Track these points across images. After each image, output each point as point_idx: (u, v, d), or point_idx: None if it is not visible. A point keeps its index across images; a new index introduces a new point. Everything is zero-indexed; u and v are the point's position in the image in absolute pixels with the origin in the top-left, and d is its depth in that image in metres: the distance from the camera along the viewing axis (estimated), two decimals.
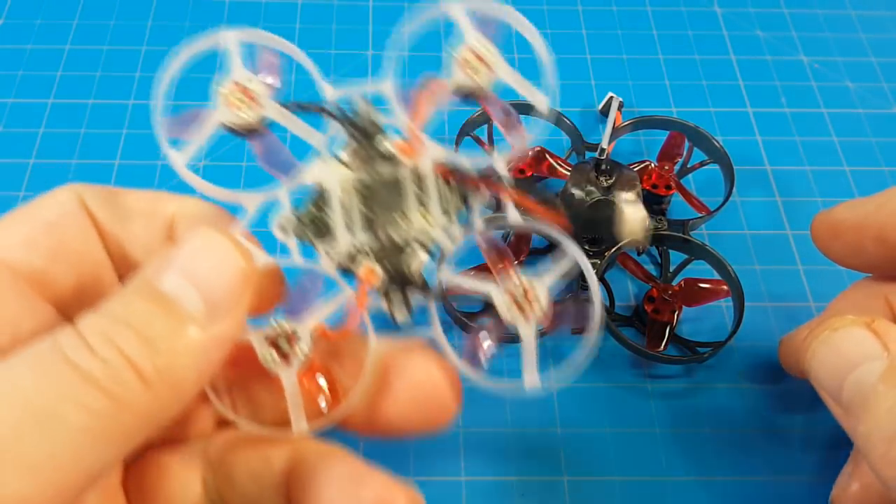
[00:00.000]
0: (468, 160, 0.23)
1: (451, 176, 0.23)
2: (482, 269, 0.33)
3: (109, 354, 0.18)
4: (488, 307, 0.24)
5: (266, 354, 0.22)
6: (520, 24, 0.24)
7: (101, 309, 0.19)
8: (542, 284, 0.23)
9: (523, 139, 0.24)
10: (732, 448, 0.32)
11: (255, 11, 0.45)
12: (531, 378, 0.24)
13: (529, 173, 0.37)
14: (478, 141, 0.39)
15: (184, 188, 0.38)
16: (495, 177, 0.23)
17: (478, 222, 0.23)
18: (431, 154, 0.23)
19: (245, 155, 0.39)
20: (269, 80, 0.23)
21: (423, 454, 0.32)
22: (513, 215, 0.24)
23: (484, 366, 0.24)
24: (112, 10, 0.45)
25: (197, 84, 0.24)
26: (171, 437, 0.24)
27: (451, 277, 0.24)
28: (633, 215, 0.22)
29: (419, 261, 0.23)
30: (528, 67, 0.24)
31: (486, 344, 0.24)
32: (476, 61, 0.23)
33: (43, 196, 0.23)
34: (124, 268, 0.24)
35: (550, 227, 0.23)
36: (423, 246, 0.23)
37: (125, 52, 0.43)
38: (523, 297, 0.23)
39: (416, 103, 0.23)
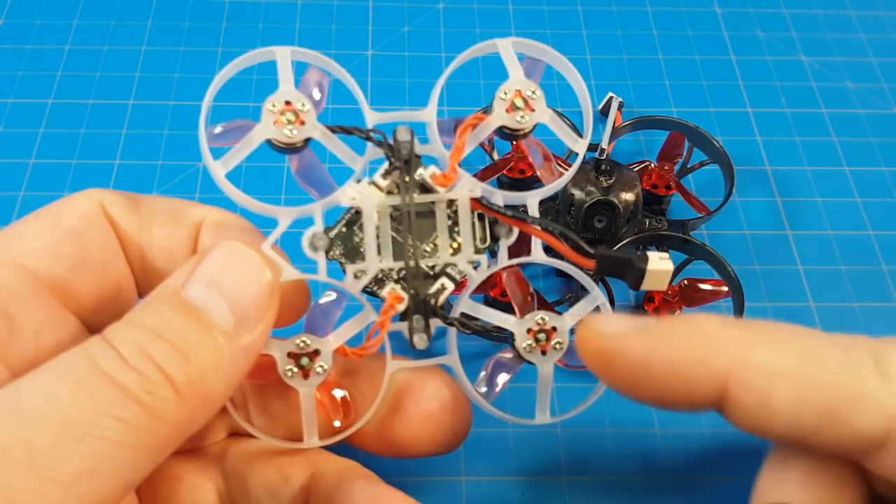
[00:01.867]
0: (501, 196, 0.23)
1: (484, 210, 0.23)
2: (485, 287, 0.33)
3: (144, 366, 0.18)
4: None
5: (286, 369, 0.22)
6: (564, 67, 0.24)
7: (130, 319, 0.19)
8: (563, 325, 0.23)
9: (558, 182, 0.24)
10: (732, 448, 0.32)
11: (255, 11, 0.45)
12: (543, 416, 0.24)
13: (529, 173, 0.37)
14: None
15: (184, 189, 0.38)
16: (521, 214, 0.23)
17: (504, 259, 0.24)
18: (467, 187, 0.23)
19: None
20: (315, 99, 0.23)
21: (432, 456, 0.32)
22: (538, 254, 0.24)
23: (497, 393, 0.24)
24: (112, 10, 0.45)
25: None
26: (185, 446, 0.24)
27: (474, 308, 0.24)
28: (660, 267, 0.22)
29: (443, 288, 0.23)
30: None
31: (501, 376, 0.24)
32: (521, 102, 0.23)
33: (64, 200, 0.23)
34: (144, 276, 0.24)
35: (576, 269, 0.23)
36: (450, 276, 0.23)
37: (125, 52, 0.43)
38: (545, 337, 0.23)
39: (457, 137, 0.23)
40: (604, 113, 0.42)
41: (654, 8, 0.47)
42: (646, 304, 0.34)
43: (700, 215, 0.37)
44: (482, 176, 0.37)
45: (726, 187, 0.37)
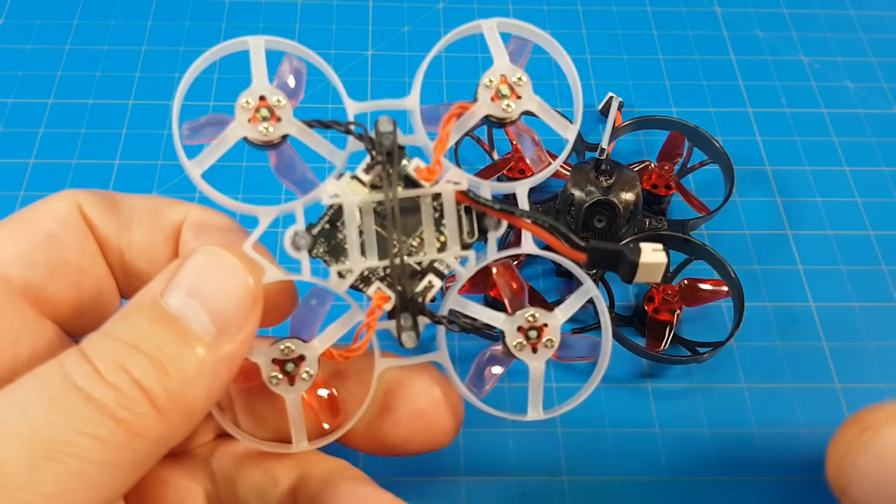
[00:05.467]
0: (489, 188, 0.22)
1: (471, 203, 0.22)
2: (476, 283, 0.33)
3: (120, 380, 0.17)
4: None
5: (271, 376, 0.22)
6: (553, 48, 0.23)
7: (108, 330, 0.18)
8: (555, 321, 0.23)
9: (550, 169, 0.24)
10: (732, 448, 0.32)
11: (255, 11, 0.45)
12: (535, 412, 0.23)
13: (529, 173, 0.37)
14: (478, 141, 0.39)
15: (184, 189, 0.38)
16: (510, 207, 0.22)
17: (493, 253, 0.23)
18: (452, 180, 0.22)
19: (245, 155, 0.39)
20: (291, 90, 0.22)
21: (423, 454, 0.32)
22: (528, 245, 0.23)
23: (488, 389, 0.24)
24: (112, 10, 0.45)
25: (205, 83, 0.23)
26: (172, 449, 0.24)
27: (462, 305, 0.23)
28: (654, 260, 0.21)
29: (430, 286, 0.22)
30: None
31: (493, 370, 0.24)
32: (506, 90, 0.22)
33: (40, 203, 0.22)
34: (126, 279, 0.23)
35: (568, 261, 0.23)
36: (437, 272, 0.23)
37: (125, 52, 0.43)
38: (536, 335, 0.23)
39: (441, 128, 0.22)
40: (604, 113, 0.42)
41: (654, 8, 0.47)
42: (646, 303, 0.34)
43: (700, 215, 0.37)
44: (482, 176, 0.37)
45: (726, 187, 0.37)
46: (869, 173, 0.41)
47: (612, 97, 0.41)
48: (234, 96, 0.22)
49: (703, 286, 0.35)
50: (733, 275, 0.33)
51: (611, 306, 0.35)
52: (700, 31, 0.46)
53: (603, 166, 0.34)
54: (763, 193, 0.40)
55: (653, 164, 0.38)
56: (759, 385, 0.34)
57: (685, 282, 0.35)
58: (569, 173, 0.35)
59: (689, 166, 0.39)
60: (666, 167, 0.38)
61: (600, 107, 0.42)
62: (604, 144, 0.35)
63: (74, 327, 0.23)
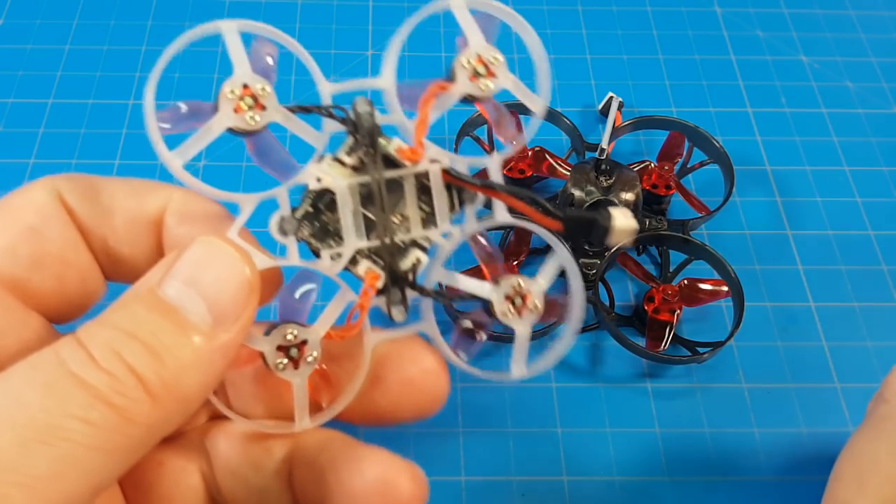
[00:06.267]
0: (465, 162, 0.23)
1: (449, 179, 0.23)
2: (477, 271, 0.33)
3: (115, 367, 0.17)
4: (482, 303, 0.24)
5: (277, 362, 0.22)
6: (520, 25, 0.24)
7: (104, 319, 0.19)
8: (537, 287, 0.23)
9: (518, 140, 0.24)
10: (732, 448, 0.32)
11: (255, 11, 0.45)
12: (519, 369, 0.24)
13: (529, 173, 0.37)
14: (477, 141, 0.39)
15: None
16: (490, 182, 0.23)
17: (472, 225, 0.23)
18: (432, 157, 0.23)
19: (244, 155, 0.39)
20: (267, 72, 0.22)
21: (423, 454, 0.32)
22: (501, 215, 0.24)
23: (472, 355, 0.24)
24: (112, 10, 0.45)
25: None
26: None
27: (449, 277, 0.23)
28: (624, 225, 0.22)
29: (418, 262, 0.23)
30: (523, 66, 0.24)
31: (475, 335, 0.24)
32: (482, 69, 0.23)
33: (18, 193, 0.22)
34: (111, 264, 0.23)
35: (542, 229, 0.23)
36: (421, 247, 0.23)
37: (125, 51, 0.43)
38: (520, 301, 0.23)
39: (420, 108, 0.22)
40: (604, 113, 0.42)
41: (654, 8, 0.47)
42: (646, 303, 0.34)
43: (700, 215, 0.37)
44: (482, 175, 0.37)
45: (726, 187, 0.37)
46: (869, 173, 0.41)
47: (612, 97, 0.41)
48: (194, 94, 0.21)
49: (703, 286, 0.35)
50: (733, 275, 0.33)
51: (611, 306, 0.35)
52: (700, 31, 0.46)
53: (603, 166, 0.34)
54: (763, 193, 0.40)
55: (653, 164, 0.38)
56: (759, 385, 0.34)
57: (685, 282, 0.35)
58: (569, 173, 0.35)
59: (689, 166, 0.39)
60: (666, 167, 0.38)
61: (600, 107, 0.42)
62: (604, 144, 0.35)
63: (61, 317, 0.23)
